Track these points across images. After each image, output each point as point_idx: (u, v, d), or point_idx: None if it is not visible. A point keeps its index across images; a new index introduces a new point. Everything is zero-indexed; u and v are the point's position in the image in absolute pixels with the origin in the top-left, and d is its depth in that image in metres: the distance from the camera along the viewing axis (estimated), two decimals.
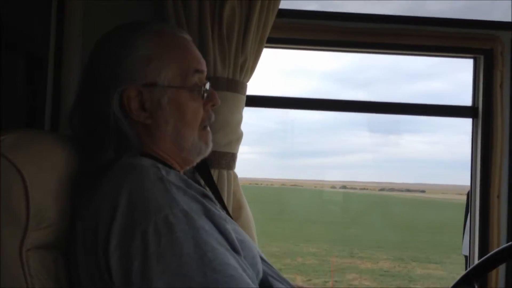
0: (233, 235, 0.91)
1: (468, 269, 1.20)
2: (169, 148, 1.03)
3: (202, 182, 1.24)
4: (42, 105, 1.56)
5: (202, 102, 1.05)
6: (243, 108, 1.66)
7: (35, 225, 0.86)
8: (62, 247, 0.94)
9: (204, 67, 1.07)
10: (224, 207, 1.21)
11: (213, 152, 1.53)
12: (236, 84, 1.61)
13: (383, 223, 21.11)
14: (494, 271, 1.82)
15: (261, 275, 1.02)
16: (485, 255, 1.22)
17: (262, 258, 1.08)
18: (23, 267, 0.85)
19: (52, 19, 1.59)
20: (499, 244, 1.85)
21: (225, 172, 1.60)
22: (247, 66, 1.63)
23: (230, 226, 0.93)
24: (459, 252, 5.75)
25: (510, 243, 1.16)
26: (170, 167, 1.00)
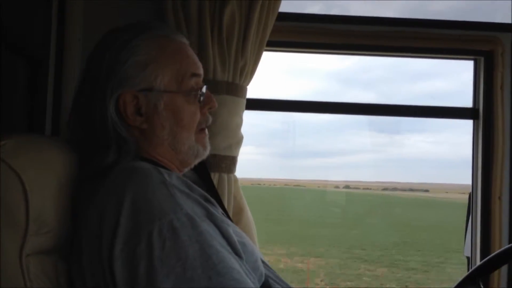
0: (235, 239, 0.91)
1: (474, 267, 1.20)
2: (166, 152, 1.03)
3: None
4: (43, 108, 1.56)
5: (199, 105, 1.05)
6: (243, 112, 1.66)
7: (35, 230, 0.86)
8: (62, 252, 0.93)
9: (200, 70, 1.07)
10: (225, 211, 1.21)
11: (213, 156, 1.54)
12: (236, 87, 1.61)
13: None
14: (496, 272, 1.82)
15: (263, 278, 1.01)
16: (487, 256, 1.22)
17: (263, 262, 1.08)
18: (23, 272, 0.85)
19: (52, 21, 1.58)
20: (501, 245, 1.85)
21: (225, 176, 1.59)
22: (247, 70, 1.63)
23: (232, 229, 0.93)
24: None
25: None
26: (169, 170, 1.00)
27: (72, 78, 1.61)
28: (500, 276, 1.83)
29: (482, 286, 1.18)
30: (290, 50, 1.94)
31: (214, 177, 1.56)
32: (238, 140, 1.63)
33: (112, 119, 0.97)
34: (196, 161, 1.09)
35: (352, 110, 1.99)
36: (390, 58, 1.98)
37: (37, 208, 0.86)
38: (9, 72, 1.38)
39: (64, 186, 0.94)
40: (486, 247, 1.88)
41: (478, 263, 1.82)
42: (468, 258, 2.06)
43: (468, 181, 1.99)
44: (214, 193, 1.24)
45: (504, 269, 1.84)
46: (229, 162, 1.61)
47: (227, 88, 1.59)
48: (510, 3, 1.99)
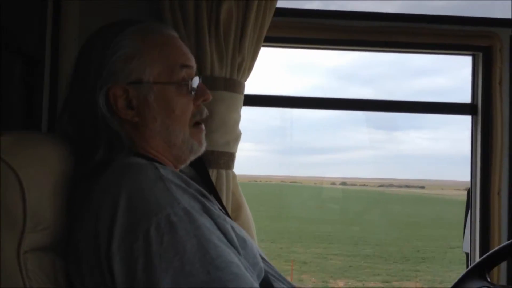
0: (233, 235, 0.90)
1: (481, 258, 1.19)
2: (160, 146, 1.02)
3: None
4: (39, 107, 1.56)
5: (192, 97, 1.04)
6: (241, 108, 1.66)
7: (32, 227, 0.85)
8: (59, 249, 0.93)
9: (192, 62, 1.06)
10: (223, 207, 1.20)
11: (211, 152, 1.54)
12: (233, 83, 1.60)
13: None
14: (495, 268, 1.82)
15: (263, 274, 1.01)
16: (486, 252, 1.22)
17: (262, 258, 1.08)
18: (21, 270, 0.84)
19: (48, 21, 1.58)
20: (500, 241, 1.85)
21: (223, 172, 1.59)
22: (245, 66, 1.63)
23: (230, 225, 0.92)
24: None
25: None
26: (164, 165, 0.99)
27: (67, 78, 1.60)
28: (499, 272, 1.83)
29: (489, 279, 1.17)
30: (288, 46, 1.93)
31: (212, 173, 1.56)
32: (236, 136, 1.63)
33: (102, 114, 0.96)
34: (192, 157, 1.08)
35: (351, 106, 1.98)
36: (390, 54, 1.98)
37: (34, 205, 0.85)
38: (6, 72, 1.38)
39: (61, 183, 0.93)
40: (485, 243, 1.88)
41: (478, 258, 1.82)
42: (467, 254, 2.06)
43: (465, 178, 2.00)
44: (212, 190, 1.23)
45: (503, 265, 1.84)
46: (227, 158, 1.60)
47: (224, 84, 1.59)
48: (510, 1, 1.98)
